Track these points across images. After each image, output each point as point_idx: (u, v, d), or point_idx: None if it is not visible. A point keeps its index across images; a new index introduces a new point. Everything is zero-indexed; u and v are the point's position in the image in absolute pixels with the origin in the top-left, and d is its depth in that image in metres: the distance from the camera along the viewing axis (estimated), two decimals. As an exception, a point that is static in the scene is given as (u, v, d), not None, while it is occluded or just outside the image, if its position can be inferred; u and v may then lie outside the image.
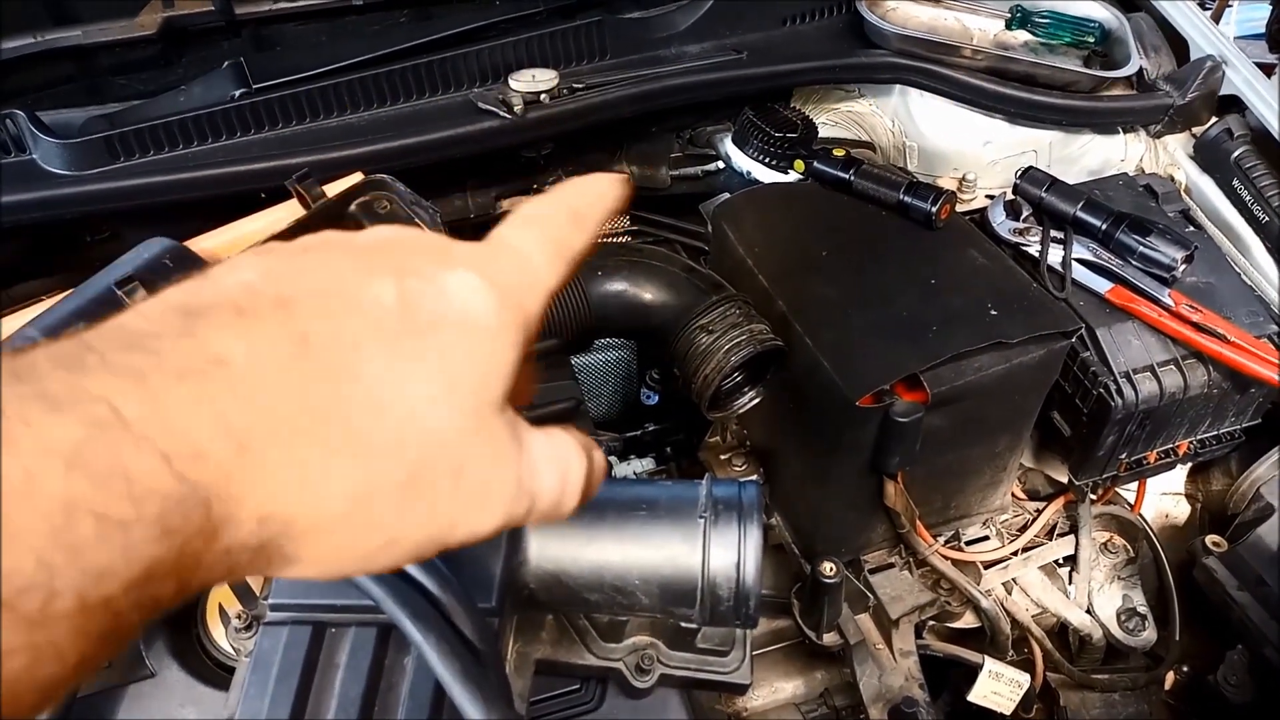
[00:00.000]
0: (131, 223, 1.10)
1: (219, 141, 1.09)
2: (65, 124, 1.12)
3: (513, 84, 1.12)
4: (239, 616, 0.83)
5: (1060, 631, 1.23)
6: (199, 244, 0.92)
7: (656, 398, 1.30)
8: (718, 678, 0.83)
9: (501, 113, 1.10)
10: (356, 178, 0.91)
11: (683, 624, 0.75)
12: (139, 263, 0.86)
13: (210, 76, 1.15)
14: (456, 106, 1.13)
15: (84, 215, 1.07)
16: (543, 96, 1.12)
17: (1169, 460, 1.19)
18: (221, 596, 0.87)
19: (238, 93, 1.11)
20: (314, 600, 0.63)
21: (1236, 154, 1.24)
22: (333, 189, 0.90)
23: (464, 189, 1.25)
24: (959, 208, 1.20)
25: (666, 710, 0.83)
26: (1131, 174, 1.31)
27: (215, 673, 0.89)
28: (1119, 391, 1.06)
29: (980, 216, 1.19)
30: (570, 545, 0.70)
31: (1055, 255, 1.13)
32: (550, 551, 0.70)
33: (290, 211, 0.91)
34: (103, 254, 1.06)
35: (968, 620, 1.17)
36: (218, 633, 0.90)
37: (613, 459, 1.36)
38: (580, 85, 1.14)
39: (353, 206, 0.88)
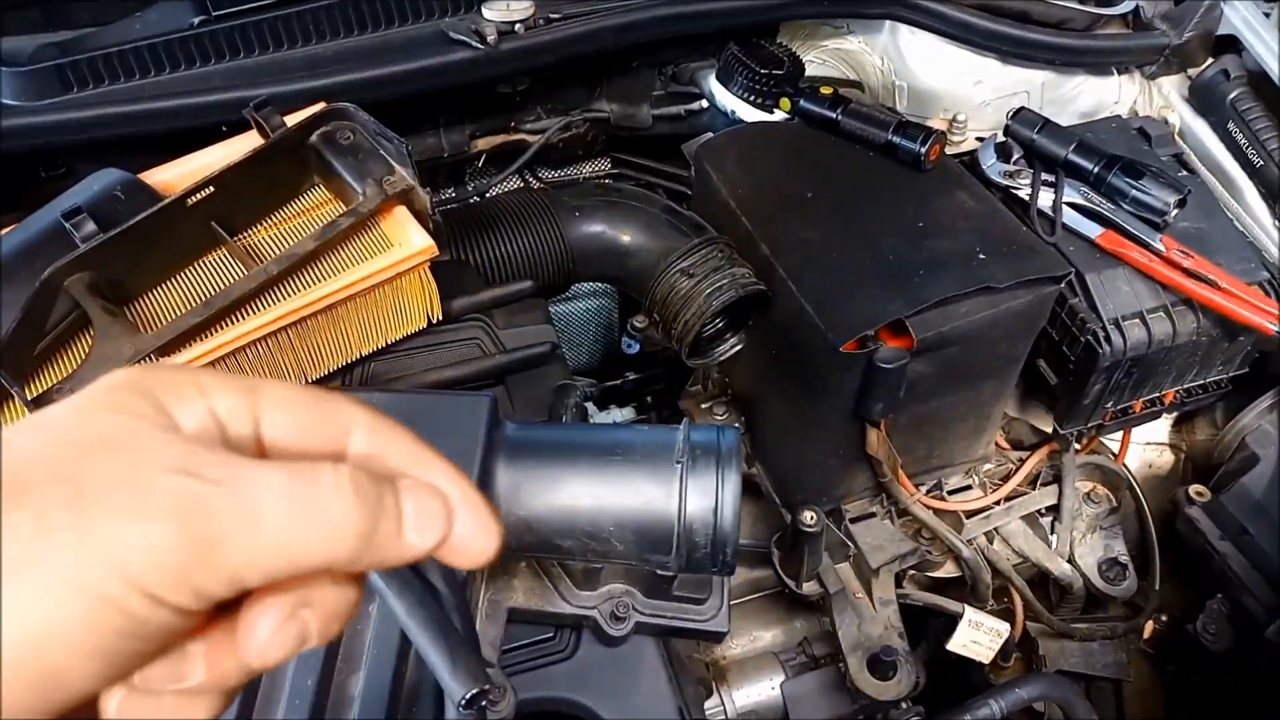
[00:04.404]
0: (86, 157, 1.05)
1: (177, 72, 1.04)
2: (14, 52, 1.07)
3: (486, 13, 1.07)
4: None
5: (1041, 581, 1.22)
6: (154, 176, 0.88)
7: (638, 346, 1.27)
8: (694, 625, 0.81)
9: (474, 43, 1.05)
10: (318, 107, 0.87)
11: (659, 571, 0.73)
12: (89, 194, 0.83)
13: (168, 3, 1.09)
14: (426, 37, 1.08)
15: (36, 149, 1.02)
16: (517, 27, 1.07)
17: (1155, 409, 1.17)
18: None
19: (196, 20, 1.06)
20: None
21: (1232, 96, 1.21)
22: (295, 120, 0.86)
23: (436, 126, 1.20)
24: (949, 149, 1.17)
25: (642, 658, 0.82)
26: (1125, 116, 1.28)
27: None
28: (1107, 338, 1.04)
29: (970, 158, 1.16)
30: (542, 490, 0.68)
31: (1046, 198, 1.10)
32: (521, 496, 0.67)
33: (249, 142, 0.86)
34: (57, 191, 1.01)
35: (948, 569, 1.16)
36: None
37: (591, 406, 1.34)
38: (557, 15, 1.09)
39: (314, 137, 0.84)
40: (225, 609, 0.33)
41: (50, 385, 0.72)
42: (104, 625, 0.29)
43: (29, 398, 0.70)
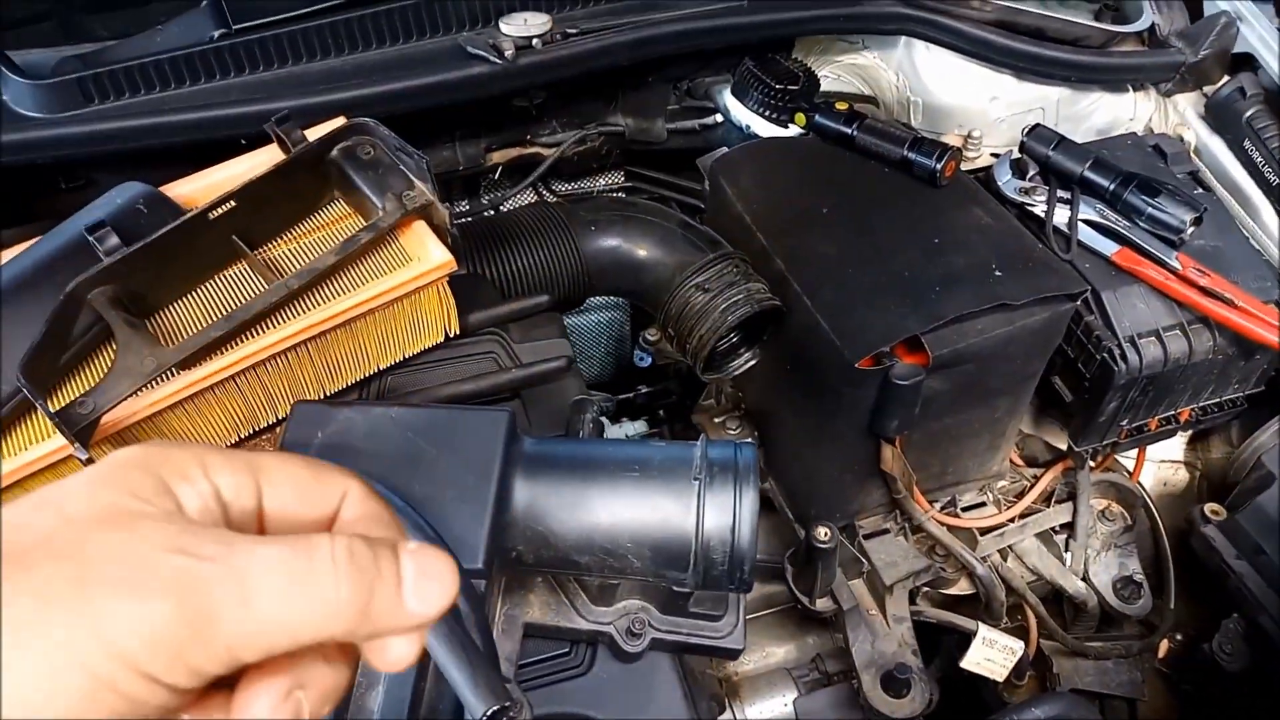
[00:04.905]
0: (107, 168, 1.06)
1: (197, 84, 1.05)
2: (37, 65, 1.08)
3: (504, 28, 1.08)
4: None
5: (1055, 599, 1.22)
6: (175, 189, 0.89)
7: (650, 359, 1.27)
8: (710, 642, 0.81)
9: (491, 58, 1.06)
10: (339, 122, 0.87)
11: (675, 588, 0.73)
12: (112, 208, 0.83)
13: (188, 16, 1.10)
14: (444, 51, 1.09)
15: (57, 160, 1.03)
16: (535, 41, 1.07)
17: (1170, 427, 1.17)
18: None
19: (217, 33, 1.07)
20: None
21: (1249, 114, 1.20)
22: (315, 134, 0.86)
23: (452, 138, 1.21)
24: (964, 166, 1.17)
25: (657, 674, 0.82)
26: (1140, 133, 1.28)
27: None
28: (1123, 356, 1.04)
29: (985, 175, 1.16)
30: (559, 506, 0.68)
31: (1061, 215, 1.10)
32: (538, 511, 0.68)
33: (270, 156, 0.87)
34: (77, 202, 1.02)
35: (962, 587, 1.16)
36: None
37: (605, 421, 1.34)
38: (574, 30, 1.10)
39: (334, 152, 0.84)
40: (222, 680, 0.33)
41: (73, 398, 0.72)
42: (101, 704, 0.29)
43: (52, 410, 0.70)
